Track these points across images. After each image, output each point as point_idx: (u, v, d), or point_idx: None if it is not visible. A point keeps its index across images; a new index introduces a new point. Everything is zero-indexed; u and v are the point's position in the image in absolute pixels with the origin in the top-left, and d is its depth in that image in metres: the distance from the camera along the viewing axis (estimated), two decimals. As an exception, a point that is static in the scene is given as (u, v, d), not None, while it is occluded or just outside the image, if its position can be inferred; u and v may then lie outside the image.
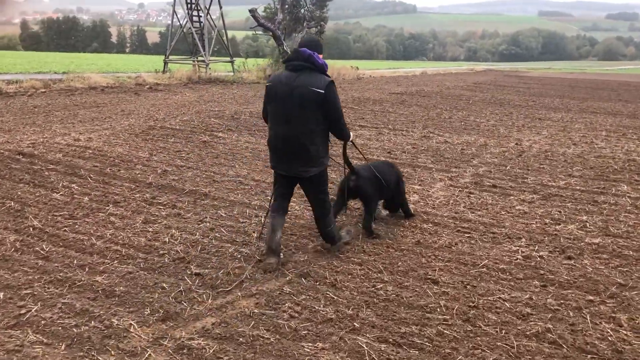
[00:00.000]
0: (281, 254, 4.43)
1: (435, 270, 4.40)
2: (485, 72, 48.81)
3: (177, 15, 27.78)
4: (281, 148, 4.26)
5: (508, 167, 8.42)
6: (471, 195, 6.74)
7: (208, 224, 5.20)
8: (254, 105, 14.61)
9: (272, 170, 4.60)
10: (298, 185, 4.56)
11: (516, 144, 10.54)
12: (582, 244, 5.18)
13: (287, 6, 33.93)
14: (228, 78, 25.04)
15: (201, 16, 27.62)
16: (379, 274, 4.26)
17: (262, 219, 5.24)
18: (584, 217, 6.01)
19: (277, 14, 32.31)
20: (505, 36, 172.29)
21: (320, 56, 4.24)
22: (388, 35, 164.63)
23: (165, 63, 27.23)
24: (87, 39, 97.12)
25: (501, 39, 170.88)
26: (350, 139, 4.57)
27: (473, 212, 6.05)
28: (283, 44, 30.22)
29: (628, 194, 7.09)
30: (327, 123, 4.25)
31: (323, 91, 4.07)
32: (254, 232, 5.00)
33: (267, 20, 31.08)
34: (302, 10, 35.09)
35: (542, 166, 8.61)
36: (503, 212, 6.10)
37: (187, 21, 27.25)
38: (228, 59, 29.07)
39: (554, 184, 7.52)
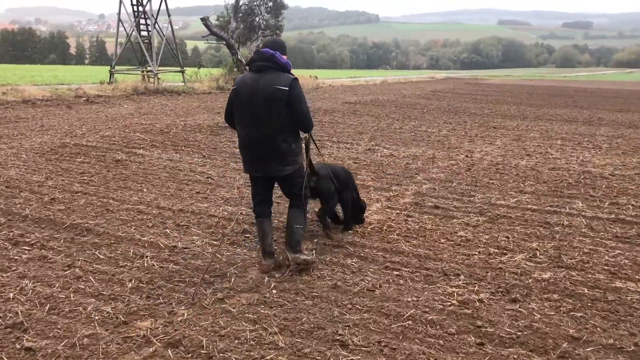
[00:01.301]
0: (276, 255, 4.45)
1: (349, 326, 3.51)
2: (445, 80, 48.73)
3: (123, 25, 26.52)
4: (253, 149, 4.25)
5: (454, 184, 7.65)
6: (409, 219, 5.91)
7: (77, 271, 4.20)
8: (194, 117, 13.62)
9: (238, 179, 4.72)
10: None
11: (466, 155, 9.81)
12: (530, 280, 4.37)
13: (240, 15, 32.99)
14: (177, 89, 23.91)
15: (149, 25, 26.44)
16: (274, 337, 3.34)
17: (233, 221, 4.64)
18: (534, 244, 5.23)
19: (231, 23, 31.32)
20: (466, 44, 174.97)
21: (284, 57, 4.23)
22: (351, 45, 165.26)
23: (111, 74, 25.95)
24: (44, 51, 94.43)
25: (462, 48, 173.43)
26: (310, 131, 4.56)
27: (408, 241, 5.21)
28: (237, 53, 29.06)
29: (583, 213, 6.37)
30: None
31: (287, 88, 4.08)
32: (129, 282, 4.02)
33: (220, 29, 30.01)
34: (257, 19, 34.22)
35: (491, 181, 7.87)
36: (442, 240, 5.27)
37: (133, 30, 26.07)
38: (179, 68, 27.91)
39: (503, 202, 6.76)
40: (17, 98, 17.24)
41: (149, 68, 26.22)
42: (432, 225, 5.76)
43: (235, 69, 28.70)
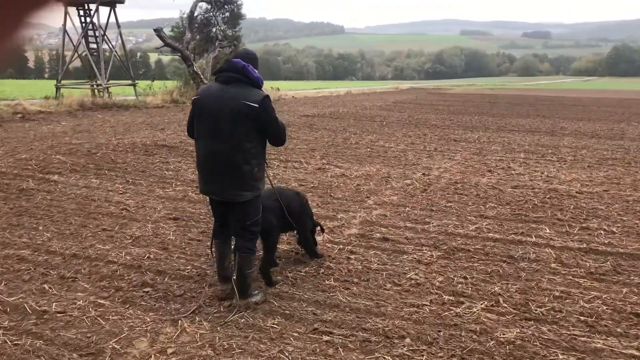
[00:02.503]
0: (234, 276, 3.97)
1: None
2: (409, 90, 48.41)
3: (69, 36, 25.19)
4: (210, 167, 3.82)
5: (408, 208, 6.80)
6: (352, 258, 5.01)
7: None
8: (133, 134, 12.53)
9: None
10: None
11: (423, 174, 9.01)
12: (491, 342, 3.51)
13: (196, 25, 31.97)
14: (128, 103, 22.70)
15: (98, 37, 25.16)
16: None
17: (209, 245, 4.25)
18: (497, 288, 4.38)
19: (185, 34, 30.26)
20: (430, 55, 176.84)
21: (256, 71, 3.86)
22: (317, 56, 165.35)
23: (57, 88, 24.57)
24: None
25: (426, 58, 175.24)
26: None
27: (347, 289, 4.30)
28: (193, 64, 28.14)
29: (551, 242, 5.58)
30: (262, 140, 3.87)
31: (257, 105, 3.70)
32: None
33: (174, 40, 28.99)
34: (214, 30, 33.25)
35: (449, 204, 7.05)
36: (388, 286, 4.38)
37: (79, 42, 24.76)
38: (130, 82, 26.65)
39: (461, 230, 5.92)
40: (-56, 116, 15.88)
41: (98, 82, 24.94)
42: (378, 264, 4.87)
43: (191, 81, 27.74)
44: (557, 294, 4.30)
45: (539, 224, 6.26)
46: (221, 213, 4.06)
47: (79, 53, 25.57)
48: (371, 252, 5.19)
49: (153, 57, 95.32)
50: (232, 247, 4.14)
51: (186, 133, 4.20)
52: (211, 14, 32.78)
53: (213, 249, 4.20)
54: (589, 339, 3.58)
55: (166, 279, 4.35)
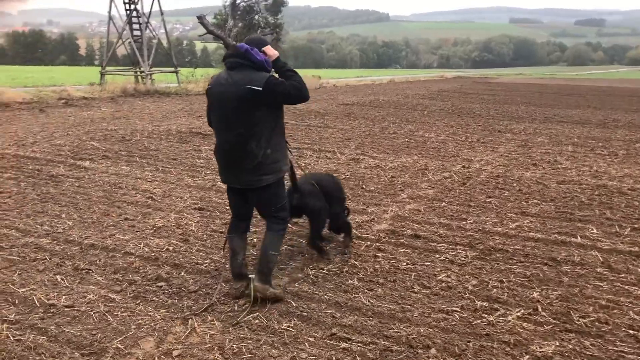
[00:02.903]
0: (250, 275, 3.85)
1: None
2: (454, 79, 47.36)
3: (113, 23, 25.50)
4: (226, 156, 3.75)
5: (444, 203, 6.44)
6: (379, 256, 4.71)
7: None
8: (170, 121, 12.50)
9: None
10: None
11: (463, 166, 8.59)
12: (525, 358, 3.18)
13: (239, 12, 31.95)
14: (170, 90, 22.84)
15: (141, 24, 25.39)
16: None
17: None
18: (535, 294, 4.02)
19: (228, 21, 30.30)
20: (477, 43, 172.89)
21: (262, 54, 3.65)
22: (361, 44, 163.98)
23: (102, 75, 24.94)
24: (54, 52, 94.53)
25: (473, 46, 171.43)
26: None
27: (371, 290, 4.02)
28: (235, 52, 28.04)
29: (598, 244, 5.14)
30: (273, 121, 3.70)
31: (261, 88, 3.51)
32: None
33: (216, 28, 29.07)
34: (256, 17, 33.16)
35: (489, 200, 6.65)
36: (416, 288, 4.08)
37: (123, 30, 25.05)
38: (173, 69, 26.82)
39: (500, 229, 5.54)
40: (-6, 101, 16.28)
41: (141, 69, 25.20)
42: (407, 263, 4.56)
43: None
44: (604, 303, 3.91)
45: (586, 223, 5.81)
46: (239, 203, 3.96)
47: (123, 40, 25.87)
48: (400, 250, 4.88)
49: (199, 44, 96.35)
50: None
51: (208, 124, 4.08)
52: (254, 1, 32.70)
53: (226, 245, 3.98)
54: (638, 357, 3.21)
55: (182, 273, 4.17)
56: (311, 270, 4.34)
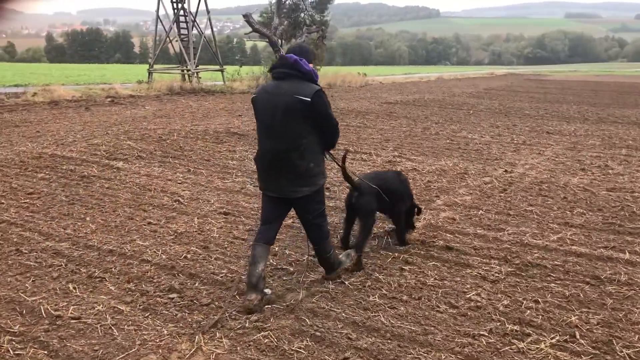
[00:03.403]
0: (266, 289, 3.82)
1: None
2: (505, 76, 46.08)
3: (162, 23, 25.90)
4: (267, 165, 3.82)
5: (482, 211, 6.09)
6: (405, 269, 4.45)
7: None
8: (210, 120, 12.51)
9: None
10: None
11: (505, 170, 8.18)
12: (557, 393, 2.87)
13: (285, 10, 31.93)
14: (215, 88, 23.05)
15: (188, 22, 25.69)
16: None
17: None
18: (573, 318, 3.68)
19: (274, 19, 30.32)
20: (530, 39, 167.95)
21: (311, 65, 3.80)
22: (410, 41, 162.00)
23: (150, 73, 25.38)
24: (110, 50, 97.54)
25: (526, 42, 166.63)
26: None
27: (393, 308, 3.77)
28: (280, 50, 28.17)
29: (649, 261, 4.71)
30: (316, 135, 3.77)
31: (309, 99, 3.62)
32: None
33: (262, 26, 29.12)
34: (302, 15, 33.07)
35: (530, 208, 6.26)
36: (442, 307, 3.80)
37: (171, 29, 25.40)
38: (219, 67, 27.03)
39: (540, 241, 5.17)
40: (46, 99, 16.75)
41: (188, 67, 25.51)
42: (435, 278, 4.28)
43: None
44: (651, 330, 3.53)
45: (636, 236, 5.36)
46: (271, 210, 3.95)
47: (170, 39, 26.24)
48: (430, 263, 4.60)
49: (249, 43, 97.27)
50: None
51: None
52: (300, -2, 32.59)
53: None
54: (687, 398, 2.85)
55: (196, 284, 4.02)
56: (332, 284, 4.12)
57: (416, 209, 5.30)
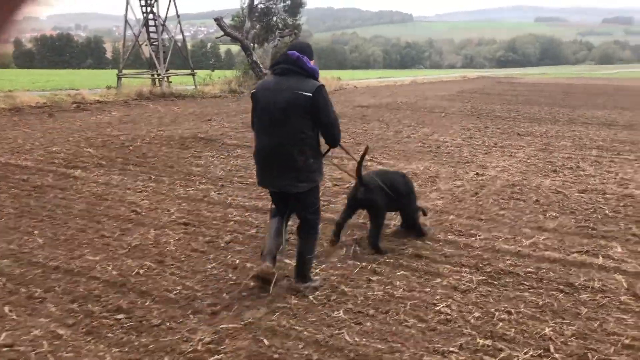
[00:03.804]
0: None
1: None
2: (477, 79, 46.41)
3: (130, 26, 25.40)
4: (267, 160, 3.87)
5: (453, 216, 5.91)
6: (373, 280, 4.22)
7: None
8: (177, 126, 12.15)
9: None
10: None
11: (477, 173, 8.03)
12: (531, 415, 2.66)
13: (257, 14, 31.66)
14: (186, 92, 22.65)
15: (158, 26, 25.23)
16: None
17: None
18: (547, 330, 3.49)
19: (245, 23, 30.01)
20: (502, 42, 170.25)
21: (312, 62, 3.86)
22: (385, 45, 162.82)
23: (119, 78, 24.84)
24: (81, 56, 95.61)
25: (498, 46, 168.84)
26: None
27: (358, 324, 3.53)
28: (252, 54, 27.86)
29: (622, 265, 4.57)
30: (317, 131, 3.87)
31: (311, 94, 3.69)
32: None
33: (234, 29, 28.78)
34: (274, 19, 32.83)
35: (502, 211, 6.10)
36: (411, 321, 3.58)
37: (140, 33, 24.91)
38: (189, 71, 26.59)
39: (512, 247, 5.00)
40: (7, 105, 16.16)
41: (158, 72, 25.05)
42: (403, 289, 4.06)
43: (250, 71, 27.45)
44: (627, 341, 3.36)
45: (609, 240, 5.23)
46: (280, 201, 4.10)
47: (140, 43, 25.75)
48: (398, 272, 4.38)
49: (224, 47, 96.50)
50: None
51: (250, 127, 4.21)
52: (272, 2, 32.36)
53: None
54: (668, 417, 2.67)
55: (147, 302, 3.73)
56: (295, 299, 3.87)
57: (421, 211, 5.37)
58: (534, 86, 33.61)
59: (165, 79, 24.97)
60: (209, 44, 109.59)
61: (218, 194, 6.56)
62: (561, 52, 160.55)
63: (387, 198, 4.77)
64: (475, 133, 12.24)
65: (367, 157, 5.08)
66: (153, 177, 7.32)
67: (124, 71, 26.03)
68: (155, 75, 25.30)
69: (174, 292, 3.90)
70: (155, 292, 3.88)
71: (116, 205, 6.00)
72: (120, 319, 3.48)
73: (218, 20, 27.12)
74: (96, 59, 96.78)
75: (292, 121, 3.73)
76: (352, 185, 5.01)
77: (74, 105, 17.10)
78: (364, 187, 4.67)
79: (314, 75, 3.85)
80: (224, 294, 3.87)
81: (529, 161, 9.08)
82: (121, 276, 4.13)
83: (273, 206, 4.21)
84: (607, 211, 6.16)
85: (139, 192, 6.58)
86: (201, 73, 27.86)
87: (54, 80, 33.33)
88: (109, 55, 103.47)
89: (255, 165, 4.04)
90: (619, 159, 9.39)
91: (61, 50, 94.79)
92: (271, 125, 3.78)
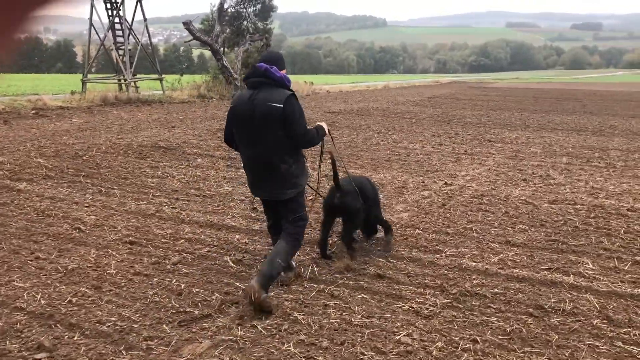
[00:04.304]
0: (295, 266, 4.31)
1: None
2: (449, 84, 46.62)
3: (95, 29, 24.74)
4: (252, 170, 4.05)
5: (419, 230, 5.63)
6: (330, 305, 3.89)
7: None
8: (139, 133, 11.68)
9: None
10: None
11: (446, 183, 7.79)
12: None
13: (227, 18, 31.22)
14: (153, 98, 22.09)
15: (124, 30, 24.61)
16: None
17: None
18: (514, 361, 3.20)
19: (215, 27, 29.55)
20: (474, 47, 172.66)
21: (283, 71, 3.97)
22: (359, 50, 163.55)
23: (83, 83, 24.14)
24: (51, 60, 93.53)
25: (470, 51, 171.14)
26: (327, 132, 4.37)
27: (308, 359, 3.19)
28: (222, 58, 27.40)
29: (594, 284, 4.33)
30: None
31: (281, 105, 3.80)
32: None
33: (203, 34, 28.30)
34: (245, 23, 32.44)
35: (470, 225, 5.84)
36: (367, 355, 3.25)
37: (105, 37, 24.27)
38: (157, 76, 26.01)
39: (479, 264, 4.73)
40: (-37, 112, 15.48)
41: (124, 76, 24.42)
42: (362, 316, 3.74)
43: (220, 76, 27.00)
44: (600, 373, 3.09)
45: (580, 255, 5.00)
46: (269, 210, 4.28)
47: (106, 47, 25.11)
48: (358, 296, 4.06)
49: (197, 51, 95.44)
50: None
51: (223, 140, 4.29)
52: (242, 6, 31.97)
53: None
54: None
55: (76, 337, 3.34)
56: (242, 329, 3.51)
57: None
58: (505, 91, 33.83)
59: (132, 84, 24.38)
60: (181, 48, 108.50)
61: (172, 208, 6.17)
62: (532, 57, 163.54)
63: (359, 202, 4.78)
64: (445, 140, 12.04)
65: (329, 166, 4.91)
66: (104, 189, 6.88)
67: (90, 76, 25.36)
68: (123, 81, 24.69)
69: (108, 324, 3.51)
70: (86, 325, 3.49)
71: (59, 222, 5.56)
72: (40, 359, 3.08)
73: (187, 24, 26.61)
74: (66, 63, 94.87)
75: (268, 133, 3.84)
76: (327, 192, 4.97)
77: (33, 111, 16.48)
78: (340, 192, 4.68)
79: (284, 84, 3.93)
80: (164, 325, 3.50)
81: (498, 169, 8.89)
82: (50, 306, 3.72)
83: (269, 228, 4.37)
84: (577, 223, 5.94)
85: (87, 206, 6.14)
86: (170, 78, 27.29)
87: (16, 85, 32.30)
88: (79, 59, 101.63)
89: (246, 175, 4.19)
90: (589, 167, 9.26)
91: (30, 54, 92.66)
92: (251, 138, 3.90)
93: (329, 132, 4.44)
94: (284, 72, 3.99)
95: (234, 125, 4.00)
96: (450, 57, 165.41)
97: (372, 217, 5.07)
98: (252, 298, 3.59)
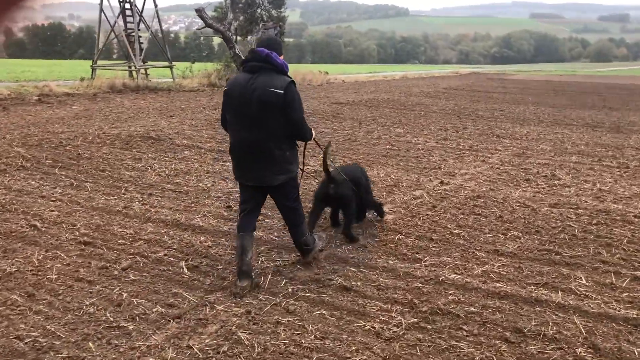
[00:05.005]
0: (254, 275, 4.02)
1: None
2: (468, 75, 45.69)
3: (105, 15, 24.52)
4: (245, 156, 3.95)
5: (401, 235, 5.19)
6: (283, 323, 3.49)
7: None
8: (133, 122, 11.37)
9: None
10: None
11: (442, 181, 7.32)
12: None
13: (240, 6, 30.83)
14: (162, 85, 21.81)
15: (134, 16, 24.35)
16: None
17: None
18: (476, 400, 2.77)
19: (228, 14, 29.18)
20: (497, 38, 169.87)
21: (281, 57, 3.94)
22: (380, 39, 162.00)
23: (93, 69, 23.98)
24: (73, 46, 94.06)
25: (493, 42, 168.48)
26: (313, 137, 4.25)
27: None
28: (235, 46, 27.09)
29: (584, 303, 3.87)
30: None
31: (282, 92, 3.80)
32: None
33: (216, 21, 27.96)
34: (259, 10, 32.02)
35: (458, 230, 5.39)
36: (308, 385, 2.85)
37: (115, 23, 24.03)
38: (167, 64, 25.74)
39: (459, 276, 4.29)
40: (-32, 97, 15.36)
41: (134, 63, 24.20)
42: (315, 336, 3.34)
43: (232, 64, 26.63)
44: (575, 419, 2.65)
45: (574, 268, 4.53)
46: (254, 199, 4.12)
47: (116, 33, 24.89)
48: (316, 312, 3.66)
49: (217, 39, 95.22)
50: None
51: (220, 124, 4.22)
52: (256, -7, 31.51)
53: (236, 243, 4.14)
54: None
55: (-13, 356, 3.00)
56: (174, 350, 3.13)
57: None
58: (524, 83, 32.94)
59: (142, 71, 24.15)
60: (201, 37, 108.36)
61: (141, 204, 5.82)
62: (556, 49, 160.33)
63: (353, 191, 4.91)
64: (451, 134, 11.52)
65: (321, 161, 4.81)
66: (76, 182, 6.55)
67: (100, 63, 25.20)
68: (133, 68, 24.48)
69: (27, 340, 3.16)
70: (2, 341, 3.14)
71: (17, 218, 5.24)
72: None
73: (199, 11, 26.29)
74: (88, 49, 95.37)
75: (267, 117, 3.81)
76: (320, 182, 5.07)
77: (37, 98, 16.29)
78: (333, 183, 4.76)
79: (283, 70, 3.92)
80: (90, 343, 3.14)
81: (501, 168, 8.38)
82: (-25, 318, 3.39)
83: (240, 217, 4.13)
84: (576, 231, 5.45)
85: (52, 201, 5.82)
86: (181, 65, 27.00)
87: (30, 71, 32.36)
88: (101, 45, 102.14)
89: (232, 160, 4.07)
90: (600, 166, 8.71)
91: (53, 40, 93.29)
92: (246, 122, 3.85)
93: (315, 139, 4.43)
94: (282, 57, 3.96)
95: (228, 108, 3.96)
96: (473, 47, 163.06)
97: (365, 203, 5.23)
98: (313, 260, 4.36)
